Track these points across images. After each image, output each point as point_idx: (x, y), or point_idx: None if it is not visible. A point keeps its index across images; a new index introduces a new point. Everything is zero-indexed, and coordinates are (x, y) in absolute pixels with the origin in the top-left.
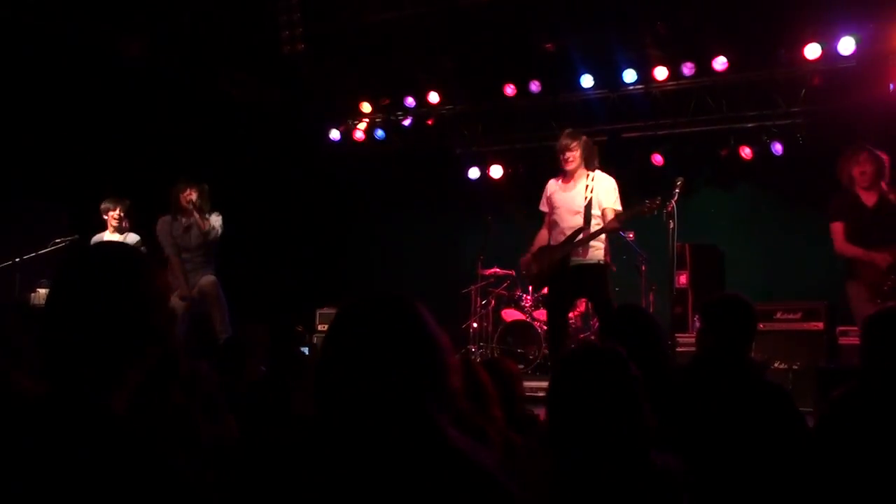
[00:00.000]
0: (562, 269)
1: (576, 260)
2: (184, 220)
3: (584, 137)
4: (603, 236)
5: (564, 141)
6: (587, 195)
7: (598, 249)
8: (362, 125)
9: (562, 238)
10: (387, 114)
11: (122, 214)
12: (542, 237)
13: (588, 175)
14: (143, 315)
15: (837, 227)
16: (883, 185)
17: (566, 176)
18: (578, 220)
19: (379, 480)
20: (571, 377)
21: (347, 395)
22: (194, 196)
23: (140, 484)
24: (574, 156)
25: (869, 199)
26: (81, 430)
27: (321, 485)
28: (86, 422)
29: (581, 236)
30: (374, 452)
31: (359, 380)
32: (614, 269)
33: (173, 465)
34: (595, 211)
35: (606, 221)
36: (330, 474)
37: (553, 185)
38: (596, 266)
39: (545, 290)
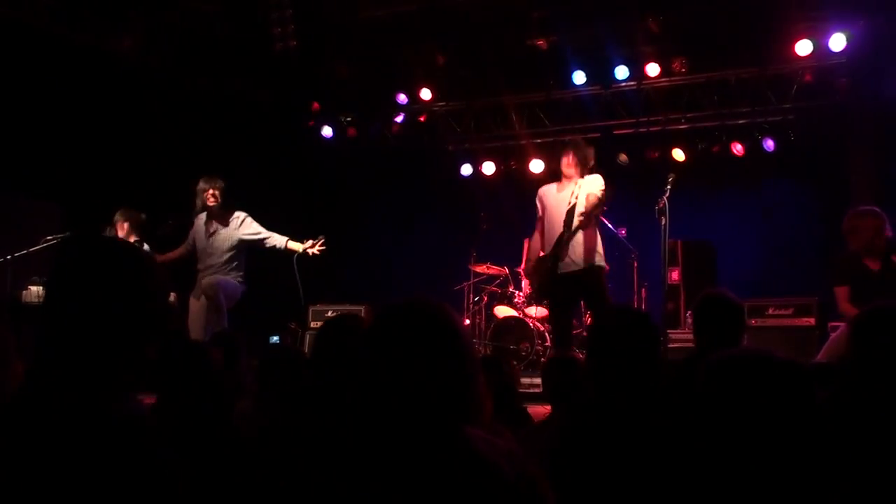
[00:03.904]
0: (557, 279)
1: (570, 266)
2: (213, 223)
3: (579, 144)
4: (598, 239)
5: (564, 154)
6: (571, 200)
7: (591, 253)
8: (355, 122)
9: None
10: (379, 110)
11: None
12: (536, 245)
13: (577, 182)
14: (139, 311)
15: (842, 291)
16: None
17: (560, 180)
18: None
19: (402, 481)
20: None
21: (384, 397)
22: (218, 195)
23: (134, 480)
24: (572, 169)
25: (874, 263)
26: (74, 427)
27: (346, 481)
28: (79, 419)
29: (562, 241)
30: (399, 455)
31: (394, 384)
32: (607, 268)
33: (167, 460)
34: (577, 213)
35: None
36: (356, 472)
37: (546, 188)
38: (590, 270)
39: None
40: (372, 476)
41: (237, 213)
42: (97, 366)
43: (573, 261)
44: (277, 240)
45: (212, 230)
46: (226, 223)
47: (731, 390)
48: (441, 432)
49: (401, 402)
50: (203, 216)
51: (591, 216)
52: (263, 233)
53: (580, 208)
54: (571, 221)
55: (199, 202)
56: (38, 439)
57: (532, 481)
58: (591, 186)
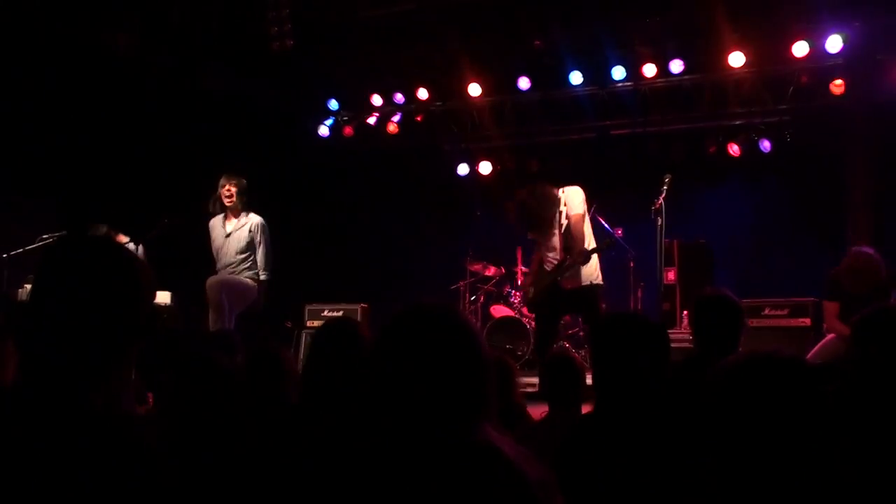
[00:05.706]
0: (552, 293)
1: (570, 284)
2: (228, 224)
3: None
4: (597, 258)
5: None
6: (562, 221)
7: (590, 267)
8: (352, 121)
9: (550, 261)
10: (376, 110)
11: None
12: (538, 259)
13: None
14: (125, 311)
15: (830, 307)
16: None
17: None
18: (556, 242)
19: (421, 484)
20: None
21: (398, 401)
22: (233, 192)
23: (119, 480)
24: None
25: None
26: (56, 425)
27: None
28: (61, 417)
29: (563, 268)
30: (422, 461)
31: (413, 389)
32: (604, 285)
33: (152, 460)
34: (568, 233)
35: (574, 247)
36: (377, 479)
37: None
38: (588, 289)
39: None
40: (396, 483)
41: (254, 218)
42: (80, 365)
43: (574, 281)
44: (259, 263)
45: (227, 232)
46: (241, 225)
47: (739, 397)
48: (466, 436)
49: (420, 407)
50: (220, 215)
51: (585, 251)
52: (258, 248)
53: (567, 229)
54: (568, 244)
55: (215, 198)
56: (22, 438)
57: (550, 486)
58: (573, 203)
